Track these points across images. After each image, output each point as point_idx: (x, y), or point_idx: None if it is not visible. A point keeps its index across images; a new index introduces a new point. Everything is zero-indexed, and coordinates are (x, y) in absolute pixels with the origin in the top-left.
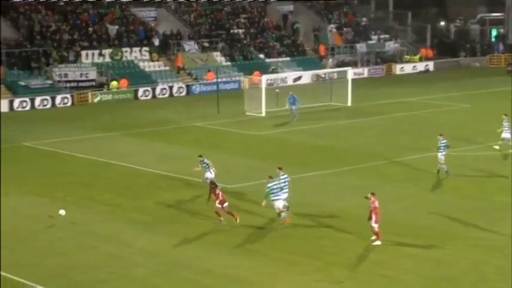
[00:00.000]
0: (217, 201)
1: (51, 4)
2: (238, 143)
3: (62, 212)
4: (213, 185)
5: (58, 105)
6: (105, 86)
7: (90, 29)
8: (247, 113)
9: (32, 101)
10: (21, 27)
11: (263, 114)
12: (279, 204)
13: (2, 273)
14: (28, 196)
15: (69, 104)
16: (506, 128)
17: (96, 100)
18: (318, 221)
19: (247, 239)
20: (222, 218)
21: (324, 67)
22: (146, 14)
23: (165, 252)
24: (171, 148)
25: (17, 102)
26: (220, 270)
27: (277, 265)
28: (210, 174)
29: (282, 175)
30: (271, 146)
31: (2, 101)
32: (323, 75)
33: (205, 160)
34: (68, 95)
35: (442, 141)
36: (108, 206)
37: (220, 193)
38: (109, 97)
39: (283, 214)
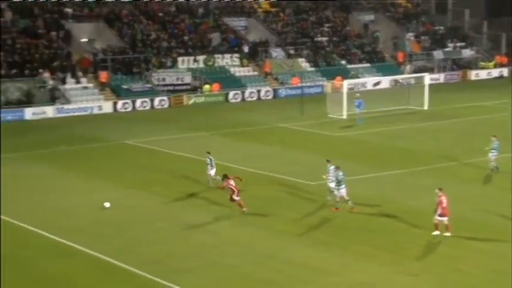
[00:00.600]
0: (235, 194)
1: (152, 15)
2: (321, 143)
3: (107, 204)
4: (225, 177)
5: (156, 107)
6: (199, 90)
7: (186, 37)
8: (329, 115)
9: (133, 102)
10: (125, 36)
11: (344, 117)
12: (343, 192)
13: (106, 258)
14: (128, 189)
15: (166, 105)
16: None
17: (190, 102)
18: (393, 216)
19: (327, 232)
20: (244, 208)
21: (402, 73)
22: (237, 23)
23: (252, 243)
24: (258, 147)
25: (120, 104)
26: (302, 260)
27: (356, 257)
28: (213, 172)
29: (331, 167)
30: (351, 146)
31: (107, 102)
32: (401, 81)
33: (212, 158)
34: (165, 98)
35: (495, 143)
36: (200, 199)
37: (233, 184)
38: (202, 100)
39: (350, 203)
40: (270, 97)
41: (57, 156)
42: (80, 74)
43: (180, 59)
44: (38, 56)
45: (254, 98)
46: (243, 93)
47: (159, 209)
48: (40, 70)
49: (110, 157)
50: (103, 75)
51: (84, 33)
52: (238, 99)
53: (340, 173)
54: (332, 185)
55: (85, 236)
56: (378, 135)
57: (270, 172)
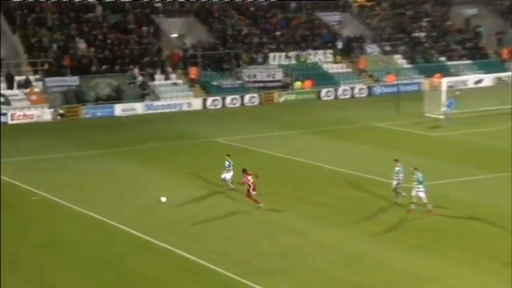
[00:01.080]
0: (251, 188)
1: (243, 10)
2: (417, 143)
3: (163, 199)
4: (244, 172)
5: (246, 104)
6: (290, 87)
7: (277, 32)
8: (426, 114)
9: (223, 99)
10: (215, 31)
11: (442, 116)
12: (422, 194)
13: (193, 257)
14: (217, 188)
15: (256, 103)
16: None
17: (281, 100)
18: (492, 222)
19: (420, 237)
20: (261, 204)
21: (506, 70)
22: (331, 18)
23: (341, 244)
24: (351, 146)
25: (209, 100)
26: (398, 266)
27: (455, 263)
28: (229, 175)
29: (399, 167)
30: (449, 147)
31: (196, 99)
32: (505, 78)
33: (230, 161)
34: (256, 95)
35: None
36: (289, 199)
37: (251, 180)
38: (293, 97)
39: (429, 205)
40: (364, 95)
41: (146, 153)
42: (169, 70)
43: (271, 55)
44: (128, 52)
45: (347, 96)
46: (336, 90)
47: (248, 207)
48: (130, 66)
49: (199, 155)
50: (193, 72)
51: (174, 29)
52: (331, 97)
53: (420, 174)
54: (394, 183)
55: (172, 234)
56: (478, 135)
57: (362, 172)
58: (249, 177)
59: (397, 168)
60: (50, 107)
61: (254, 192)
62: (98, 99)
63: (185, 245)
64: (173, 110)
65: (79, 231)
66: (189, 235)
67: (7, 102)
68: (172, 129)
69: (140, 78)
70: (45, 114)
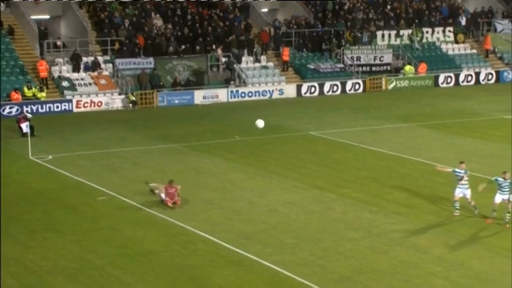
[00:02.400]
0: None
1: None
2: None
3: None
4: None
5: (348, 92)
6: (401, 71)
7: (388, 6)
8: None
9: (321, 86)
10: (312, 5)
11: None
12: (498, 199)
13: (285, 271)
14: (314, 190)
15: (360, 90)
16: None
17: (390, 86)
18: None
19: None
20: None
21: None
22: None
23: (467, 262)
24: (476, 144)
25: (305, 87)
26: None
27: None
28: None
29: (464, 171)
30: None
31: (290, 85)
32: None
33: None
34: (360, 80)
35: None
36: (402, 205)
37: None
38: (405, 83)
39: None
40: (492, 81)
41: (231, 147)
42: (258, 51)
43: (379, 33)
44: (211, 30)
45: (471, 82)
46: (456, 76)
47: (351, 216)
48: (213, 46)
49: (292, 151)
50: (285, 53)
51: (264, 3)
52: (451, 84)
53: (509, 180)
54: (463, 192)
55: (260, 244)
56: None
57: (489, 175)
58: (174, 189)
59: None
60: (120, 93)
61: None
62: (176, 85)
63: (277, 257)
64: (262, 97)
65: (154, 238)
66: (280, 246)
67: (72, 87)
68: (264, 120)
69: (224, 60)
70: (115, 101)
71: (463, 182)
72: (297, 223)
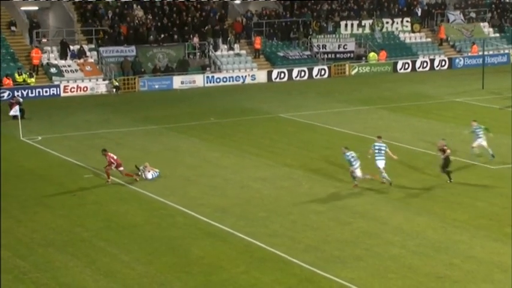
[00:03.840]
0: (115, 166)
1: None
2: (503, 121)
3: None
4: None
5: (315, 77)
6: (363, 58)
7: None
8: None
9: (290, 72)
10: None
11: None
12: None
13: (257, 242)
14: (284, 167)
15: (325, 75)
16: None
17: (353, 72)
18: None
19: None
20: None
21: None
22: None
23: (422, 232)
24: (430, 124)
25: (275, 73)
26: (483, 255)
27: None
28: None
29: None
30: None
31: (261, 71)
32: None
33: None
34: (325, 67)
35: (475, 128)
36: (363, 181)
37: (115, 157)
38: (367, 69)
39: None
40: (445, 67)
41: (207, 128)
42: (232, 39)
43: (342, 23)
44: (189, 20)
45: (426, 68)
46: (413, 62)
47: (316, 190)
48: (190, 35)
49: (264, 132)
50: (257, 41)
51: None
52: (408, 69)
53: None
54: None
55: (235, 217)
56: None
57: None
58: (111, 155)
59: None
60: (104, 79)
61: (122, 168)
62: (156, 71)
63: (248, 229)
64: (236, 82)
65: (137, 213)
66: (252, 219)
67: (60, 74)
68: (235, 103)
69: (201, 48)
70: (99, 86)
71: (381, 153)
72: (268, 198)
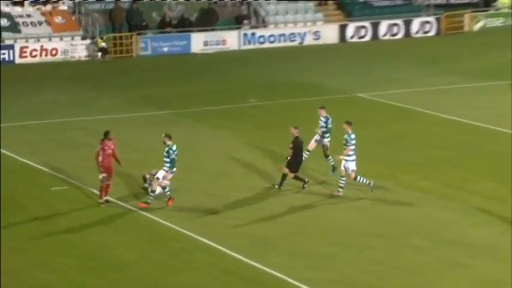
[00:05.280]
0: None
1: None
2: None
3: None
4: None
5: (414, 35)
6: (492, 5)
7: None
8: None
9: (375, 26)
10: None
11: None
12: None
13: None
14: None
15: (432, 32)
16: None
17: (476, 27)
18: None
19: None
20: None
21: None
22: None
23: None
24: None
25: (351, 28)
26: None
27: None
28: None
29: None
30: None
31: (329, 26)
32: None
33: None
34: (431, 19)
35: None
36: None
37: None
38: (499, 22)
39: None
40: None
41: (243, 115)
42: None
43: None
44: None
45: None
46: None
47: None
48: None
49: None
50: None
51: None
52: None
53: None
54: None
55: (285, 254)
56: None
57: None
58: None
59: None
60: (84, 37)
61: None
62: (165, 25)
63: (309, 273)
64: (290, 43)
65: (132, 245)
66: (314, 256)
67: (13, 28)
68: (288, 76)
69: None
70: (76, 48)
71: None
72: (334, 223)
